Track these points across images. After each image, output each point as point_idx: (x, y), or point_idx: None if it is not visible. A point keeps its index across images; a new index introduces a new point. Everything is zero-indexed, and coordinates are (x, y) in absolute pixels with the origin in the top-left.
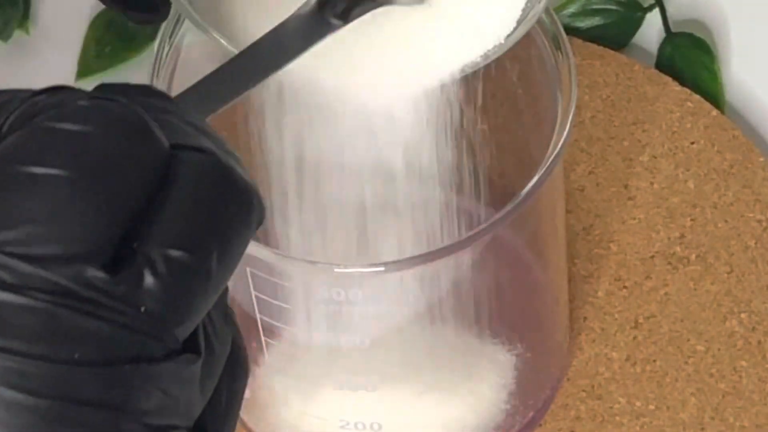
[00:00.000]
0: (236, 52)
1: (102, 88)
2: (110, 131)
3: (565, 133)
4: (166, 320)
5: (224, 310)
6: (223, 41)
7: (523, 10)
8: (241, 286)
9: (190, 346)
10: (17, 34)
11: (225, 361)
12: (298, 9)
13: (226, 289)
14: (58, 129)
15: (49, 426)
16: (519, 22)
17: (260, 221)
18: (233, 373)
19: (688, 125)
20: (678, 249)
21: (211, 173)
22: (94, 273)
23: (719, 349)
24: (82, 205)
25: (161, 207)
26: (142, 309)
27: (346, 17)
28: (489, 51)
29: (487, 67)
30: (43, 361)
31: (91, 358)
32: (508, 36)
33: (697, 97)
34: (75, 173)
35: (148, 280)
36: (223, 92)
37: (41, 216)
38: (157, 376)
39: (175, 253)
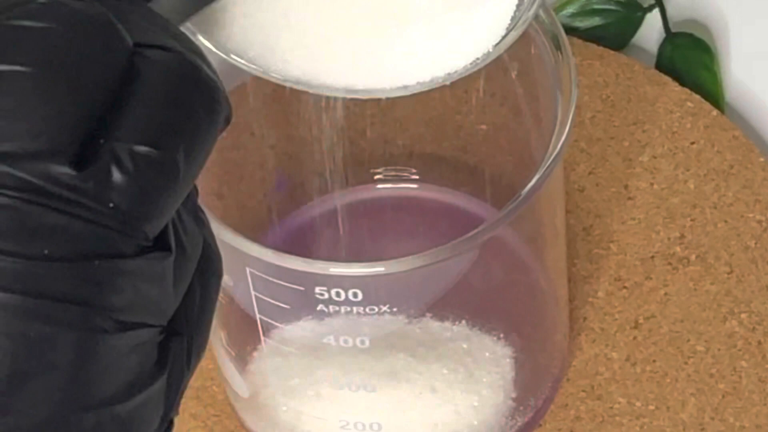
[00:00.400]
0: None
1: None
2: (73, 27)
3: (565, 133)
4: (134, 216)
5: (194, 210)
6: (215, 48)
7: (512, 18)
8: (241, 286)
9: (161, 243)
10: None
11: (197, 261)
12: None
13: (196, 190)
14: (20, 26)
15: (21, 321)
16: (509, 29)
17: (228, 120)
18: (206, 274)
19: (688, 125)
20: (678, 249)
21: (175, 70)
22: (61, 169)
23: (719, 350)
24: (46, 101)
25: (127, 103)
26: (111, 205)
27: None
28: (478, 59)
29: (487, 66)
30: (13, 257)
31: (61, 253)
32: (497, 44)
33: (697, 97)
34: (38, 69)
35: (116, 175)
36: (172, 15)
37: (5, 112)
38: (128, 272)
39: (141, 148)
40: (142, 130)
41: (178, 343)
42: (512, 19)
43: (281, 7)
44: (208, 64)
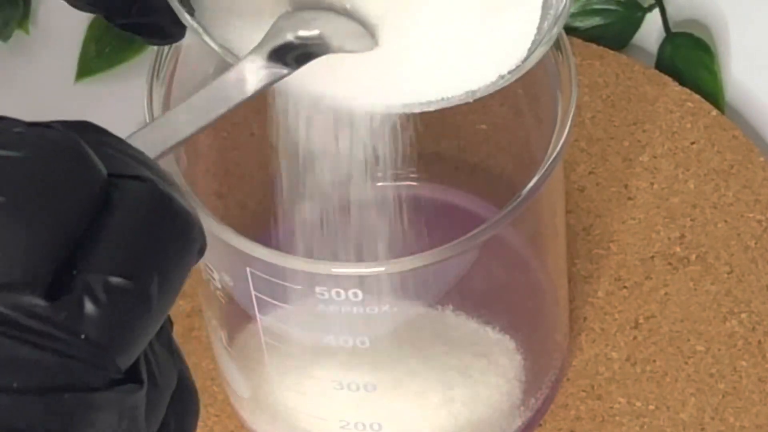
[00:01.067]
0: (237, 58)
1: (38, 122)
2: (48, 158)
3: (565, 133)
4: (107, 348)
5: (168, 342)
6: (220, 50)
7: (536, 35)
8: (242, 286)
9: (133, 375)
10: (17, 34)
11: (171, 394)
12: (250, 53)
13: (170, 322)
14: None
15: None
16: (535, 46)
17: (202, 249)
18: (181, 407)
19: (688, 125)
20: (678, 249)
21: (149, 201)
22: (34, 300)
23: (719, 349)
24: (18, 232)
25: (100, 234)
26: (83, 336)
27: (294, 64)
28: (502, 77)
29: None
30: None
31: (31, 386)
32: (524, 60)
33: (697, 97)
34: (11, 199)
35: (89, 307)
36: (173, 134)
37: None
38: (99, 405)
39: (115, 280)
40: (115, 261)
41: None
42: (536, 36)
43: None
44: (183, 195)
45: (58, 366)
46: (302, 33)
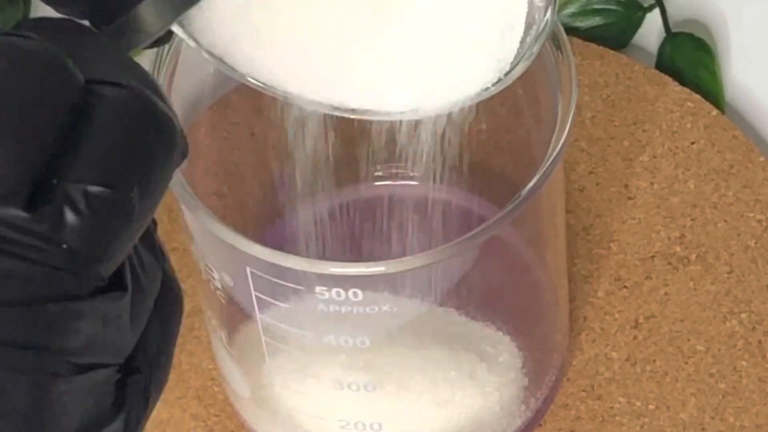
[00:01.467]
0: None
1: (18, 25)
2: (22, 67)
3: (565, 133)
4: (88, 257)
5: (152, 244)
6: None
7: (518, 51)
8: (242, 285)
9: (117, 282)
10: None
11: (155, 298)
12: None
13: (155, 224)
14: None
15: None
16: (517, 60)
17: (183, 155)
18: (165, 310)
19: (688, 125)
20: (678, 249)
21: (128, 107)
22: (13, 212)
23: (719, 349)
24: None
25: (79, 143)
26: (64, 246)
27: None
28: (486, 89)
29: None
30: None
31: (13, 297)
32: (506, 74)
33: (697, 97)
34: None
35: (69, 216)
36: (156, 20)
37: None
38: (82, 313)
39: (94, 189)
40: (95, 169)
41: (136, 380)
42: (519, 50)
43: (285, 23)
44: (164, 99)
45: (41, 276)
46: None
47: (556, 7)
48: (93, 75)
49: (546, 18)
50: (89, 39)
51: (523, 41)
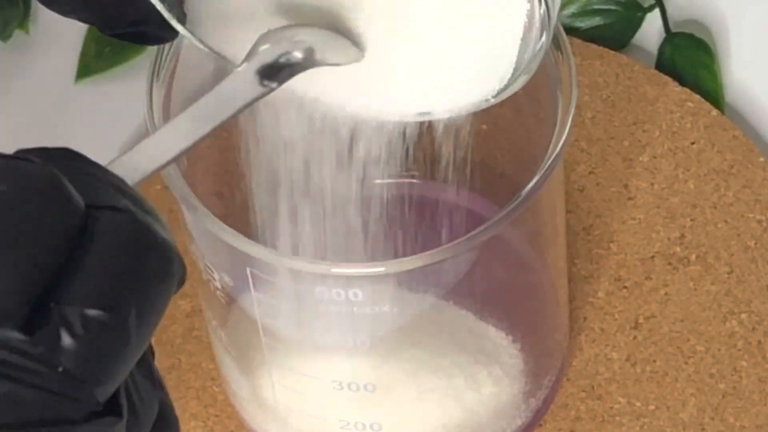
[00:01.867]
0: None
1: (19, 151)
2: (24, 190)
3: (565, 133)
4: (85, 381)
5: (149, 370)
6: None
7: (516, 63)
8: (242, 286)
9: (112, 407)
10: (17, 34)
11: (152, 424)
12: (234, 71)
13: (152, 352)
14: None
15: None
16: (515, 75)
17: (182, 279)
18: None
19: (688, 125)
20: (678, 249)
21: (127, 232)
22: (10, 334)
23: (719, 349)
24: None
25: (78, 266)
26: (60, 369)
27: (280, 80)
28: (484, 101)
29: None
30: None
31: (8, 421)
32: (501, 90)
33: (697, 97)
34: None
35: (66, 340)
36: (160, 155)
37: None
38: None
39: (92, 312)
40: (93, 293)
41: None
42: (517, 64)
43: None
44: (163, 225)
45: (37, 400)
46: (286, 52)
47: (551, 33)
48: (92, 200)
49: (542, 41)
50: (88, 165)
51: (522, 56)
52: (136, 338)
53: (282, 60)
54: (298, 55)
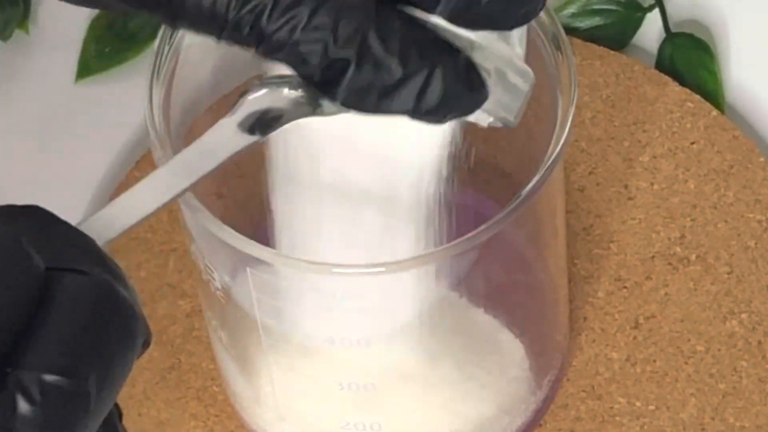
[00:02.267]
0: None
1: None
2: None
3: (565, 133)
4: None
5: None
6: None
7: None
8: (241, 286)
9: None
10: (17, 34)
11: None
12: (219, 123)
13: (120, 414)
14: None
15: None
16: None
17: (146, 342)
18: None
19: (688, 125)
20: (678, 249)
21: (89, 295)
22: None
23: (719, 350)
24: None
25: (37, 331)
26: None
27: (264, 132)
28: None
29: None
30: None
31: None
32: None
33: (697, 97)
34: None
35: (22, 405)
36: (141, 208)
37: None
38: None
39: (50, 377)
40: (50, 357)
41: None
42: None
43: None
44: (126, 286)
45: None
46: (271, 105)
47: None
48: (54, 262)
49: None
50: (55, 225)
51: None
52: (97, 404)
53: (268, 114)
54: (283, 107)
